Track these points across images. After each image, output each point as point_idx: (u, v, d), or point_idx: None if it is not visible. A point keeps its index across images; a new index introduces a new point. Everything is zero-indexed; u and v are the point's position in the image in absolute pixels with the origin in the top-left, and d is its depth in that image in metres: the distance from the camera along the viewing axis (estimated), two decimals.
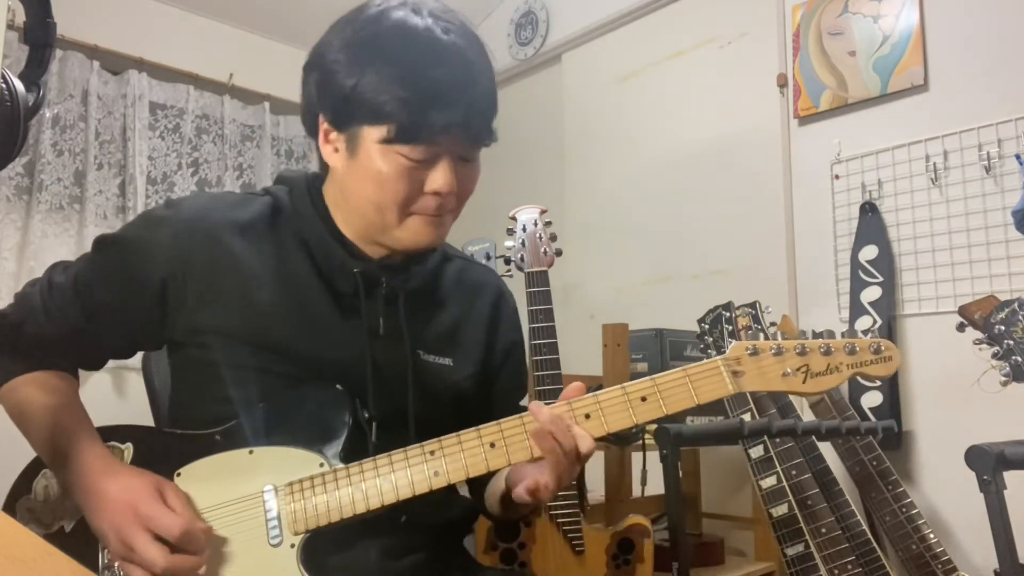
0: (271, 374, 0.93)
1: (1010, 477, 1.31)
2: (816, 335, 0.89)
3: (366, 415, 0.94)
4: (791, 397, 1.86)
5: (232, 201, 0.99)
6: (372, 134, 0.89)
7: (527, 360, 1.21)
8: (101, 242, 0.98)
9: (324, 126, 0.94)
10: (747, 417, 1.76)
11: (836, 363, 0.87)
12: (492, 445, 0.87)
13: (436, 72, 0.88)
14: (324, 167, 1.00)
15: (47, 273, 0.99)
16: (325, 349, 0.95)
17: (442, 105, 0.87)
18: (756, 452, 1.76)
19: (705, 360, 0.89)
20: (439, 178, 0.90)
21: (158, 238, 0.95)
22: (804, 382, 0.87)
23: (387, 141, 0.88)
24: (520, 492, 0.88)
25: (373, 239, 0.98)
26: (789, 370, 0.87)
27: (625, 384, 0.88)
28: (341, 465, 0.88)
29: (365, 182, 0.92)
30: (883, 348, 0.88)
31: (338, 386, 0.93)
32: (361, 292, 0.96)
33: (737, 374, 0.87)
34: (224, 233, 0.95)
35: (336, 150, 0.94)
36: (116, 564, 0.85)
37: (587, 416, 0.87)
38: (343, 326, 0.96)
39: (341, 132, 0.93)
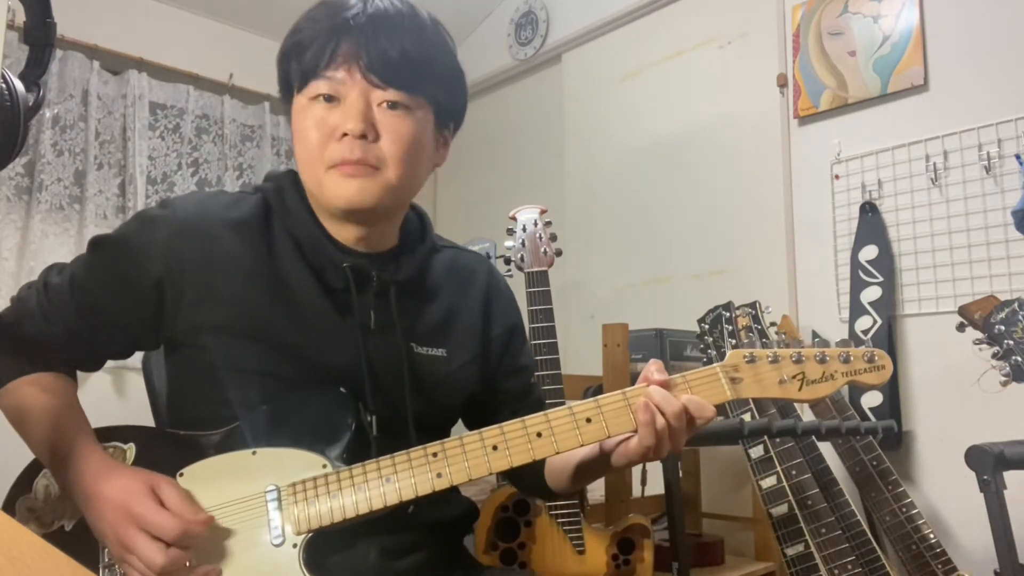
0: (272, 375, 0.92)
1: (1010, 477, 1.32)
2: (815, 340, 0.91)
3: (368, 418, 0.94)
4: None
5: (226, 201, 1.00)
6: (300, 99, 0.93)
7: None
8: (96, 243, 0.98)
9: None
10: (747, 417, 1.76)
11: (831, 371, 0.89)
12: (495, 448, 0.87)
13: (344, 12, 0.91)
14: None
15: (43, 275, 0.99)
16: (324, 349, 0.95)
17: (341, 34, 0.89)
18: (756, 452, 1.76)
19: (703, 367, 0.91)
20: (342, 113, 0.90)
21: (153, 237, 0.95)
22: (800, 389, 0.89)
23: (299, 90, 0.92)
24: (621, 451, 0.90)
25: (327, 213, 0.97)
26: (785, 377, 0.89)
27: (626, 389, 0.89)
28: (344, 466, 0.88)
29: (296, 146, 0.95)
30: (876, 357, 0.90)
31: (341, 388, 0.93)
32: (352, 287, 0.96)
33: (735, 380, 0.88)
34: (219, 231, 0.95)
35: None
36: (117, 564, 0.85)
37: (588, 420, 0.87)
38: (340, 325, 0.96)
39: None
